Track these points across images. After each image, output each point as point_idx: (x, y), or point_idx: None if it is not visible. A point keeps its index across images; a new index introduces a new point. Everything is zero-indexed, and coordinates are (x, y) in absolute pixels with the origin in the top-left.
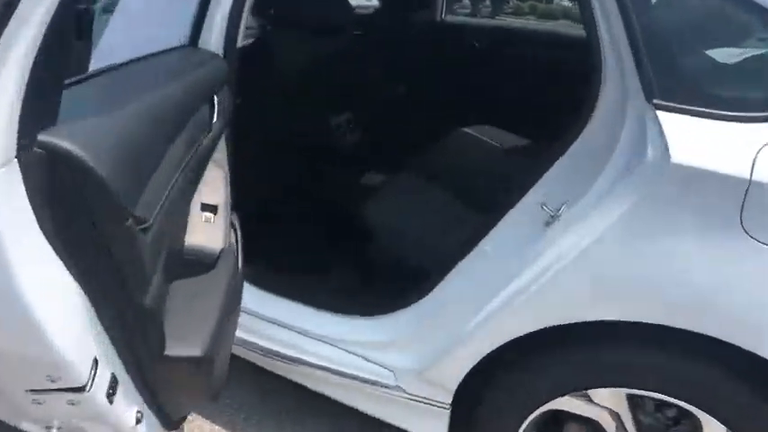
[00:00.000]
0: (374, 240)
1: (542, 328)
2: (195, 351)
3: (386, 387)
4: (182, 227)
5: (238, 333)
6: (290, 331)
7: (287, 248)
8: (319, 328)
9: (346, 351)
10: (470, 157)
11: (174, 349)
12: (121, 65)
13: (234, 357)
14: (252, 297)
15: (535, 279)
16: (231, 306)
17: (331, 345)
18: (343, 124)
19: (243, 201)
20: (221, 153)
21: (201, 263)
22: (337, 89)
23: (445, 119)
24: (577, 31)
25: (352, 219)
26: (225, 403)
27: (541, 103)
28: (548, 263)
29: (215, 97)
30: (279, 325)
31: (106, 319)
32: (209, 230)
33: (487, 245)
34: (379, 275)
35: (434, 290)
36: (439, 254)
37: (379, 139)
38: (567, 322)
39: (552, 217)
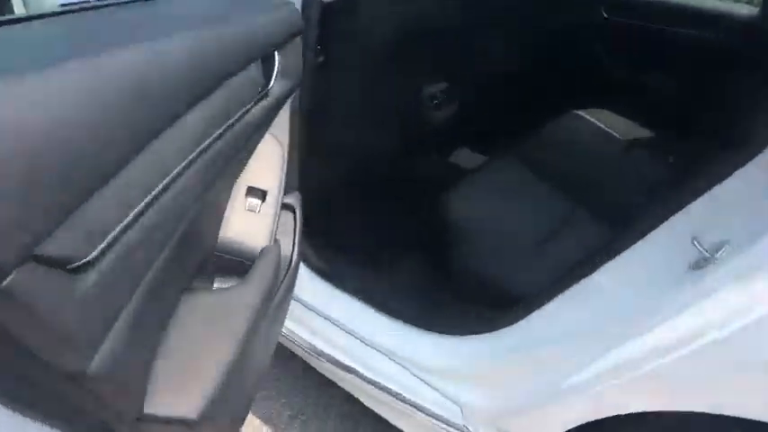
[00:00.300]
0: (459, 236)
1: (670, 410)
2: (189, 411)
3: (448, 423)
4: (209, 223)
5: (292, 326)
6: (343, 332)
7: (353, 236)
8: (378, 336)
9: (406, 369)
10: (583, 147)
11: (158, 407)
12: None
13: (282, 347)
14: (309, 287)
15: (672, 345)
16: (262, 327)
17: (389, 358)
18: (439, 95)
19: (312, 178)
20: (281, 124)
21: (234, 264)
22: (436, 54)
23: (557, 97)
24: (723, 4)
25: (436, 207)
26: (270, 396)
27: (680, 91)
28: (693, 325)
29: (276, 55)
30: (332, 323)
31: (23, 404)
32: (251, 222)
33: (605, 277)
34: (461, 283)
35: (528, 318)
36: (539, 268)
37: (478, 115)
38: (709, 412)
39: (706, 259)
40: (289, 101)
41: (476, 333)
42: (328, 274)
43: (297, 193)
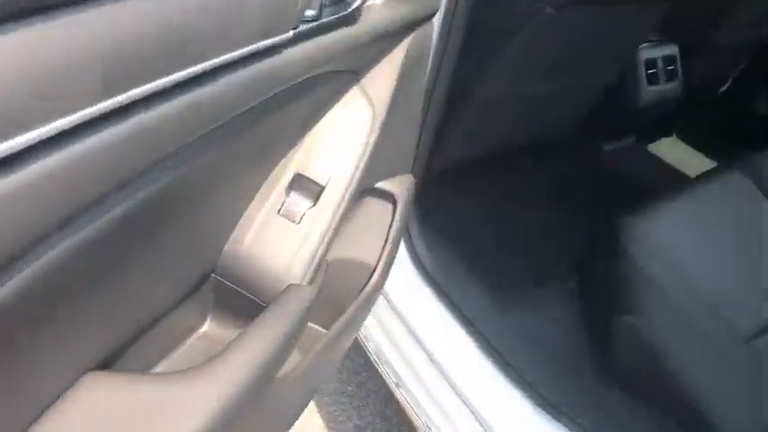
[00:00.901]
0: (635, 288)
1: None
2: None
3: None
4: (201, 232)
5: (377, 335)
6: (437, 373)
7: (485, 243)
8: (480, 399)
9: None
10: None
11: None
12: None
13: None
14: (412, 295)
15: None
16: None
17: None
18: (660, 62)
19: (441, 157)
20: (382, 74)
21: (242, 298)
22: (661, 8)
23: None
24: None
25: (613, 222)
26: (342, 392)
27: None
28: None
29: None
30: (427, 354)
31: None
32: (283, 236)
33: None
34: (624, 359)
35: None
36: (750, 385)
37: (710, 98)
38: None
39: None
40: (408, 39)
41: None
42: (441, 288)
43: (409, 178)
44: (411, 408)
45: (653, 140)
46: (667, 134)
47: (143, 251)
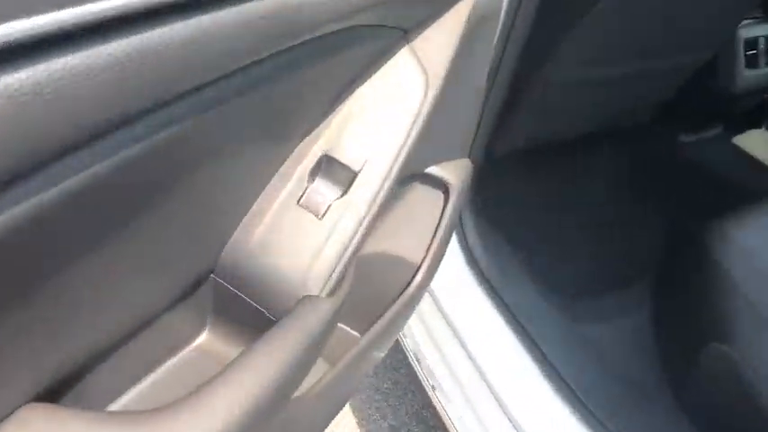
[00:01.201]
0: (724, 307)
1: None
2: None
3: None
4: (197, 225)
5: (418, 333)
6: (478, 377)
7: (548, 237)
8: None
9: None
10: None
11: None
12: None
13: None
14: (457, 288)
15: None
16: None
17: None
18: (762, 43)
19: (504, 140)
20: (438, 33)
21: (245, 306)
22: None
23: None
24: None
25: (700, 226)
26: (376, 388)
27: None
28: None
29: None
30: (468, 356)
31: None
32: (301, 233)
33: None
34: (705, 401)
35: None
36: None
37: None
38: None
39: None
40: None
41: None
42: (493, 287)
43: (466, 163)
44: (448, 418)
45: (740, 132)
46: (757, 125)
47: (122, 238)
